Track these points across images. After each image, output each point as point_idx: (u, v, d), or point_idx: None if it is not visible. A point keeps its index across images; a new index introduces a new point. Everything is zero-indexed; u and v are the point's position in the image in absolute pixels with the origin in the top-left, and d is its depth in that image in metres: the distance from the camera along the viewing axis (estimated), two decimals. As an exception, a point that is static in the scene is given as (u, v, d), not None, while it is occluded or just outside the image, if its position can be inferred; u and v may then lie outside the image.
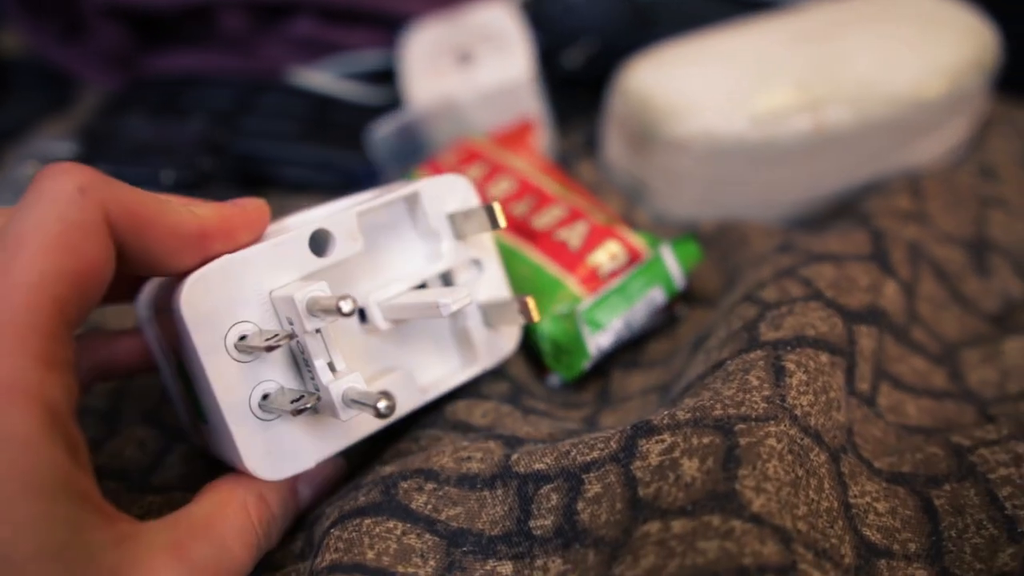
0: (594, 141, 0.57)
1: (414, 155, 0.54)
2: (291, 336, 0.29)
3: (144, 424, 0.38)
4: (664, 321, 0.44)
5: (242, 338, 0.29)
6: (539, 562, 0.30)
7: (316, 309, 0.29)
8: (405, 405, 0.33)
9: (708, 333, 0.38)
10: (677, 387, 0.36)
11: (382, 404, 0.28)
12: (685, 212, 0.51)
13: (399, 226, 0.34)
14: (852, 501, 0.31)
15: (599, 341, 0.39)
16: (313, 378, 0.30)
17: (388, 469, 0.33)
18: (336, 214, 0.31)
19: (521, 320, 0.34)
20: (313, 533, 0.33)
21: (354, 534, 0.31)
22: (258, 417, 0.30)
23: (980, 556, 0.30)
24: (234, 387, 0.29)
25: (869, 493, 0.32)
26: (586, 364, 0.39)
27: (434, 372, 0.35)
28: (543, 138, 0.55)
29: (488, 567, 0.30)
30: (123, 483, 0.36)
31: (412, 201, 0.34)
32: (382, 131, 0.52)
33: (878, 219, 0.42)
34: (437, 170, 0.49)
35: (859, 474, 0.32)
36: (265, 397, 0.30)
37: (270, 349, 0.28)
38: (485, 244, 0.36)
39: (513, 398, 0.38)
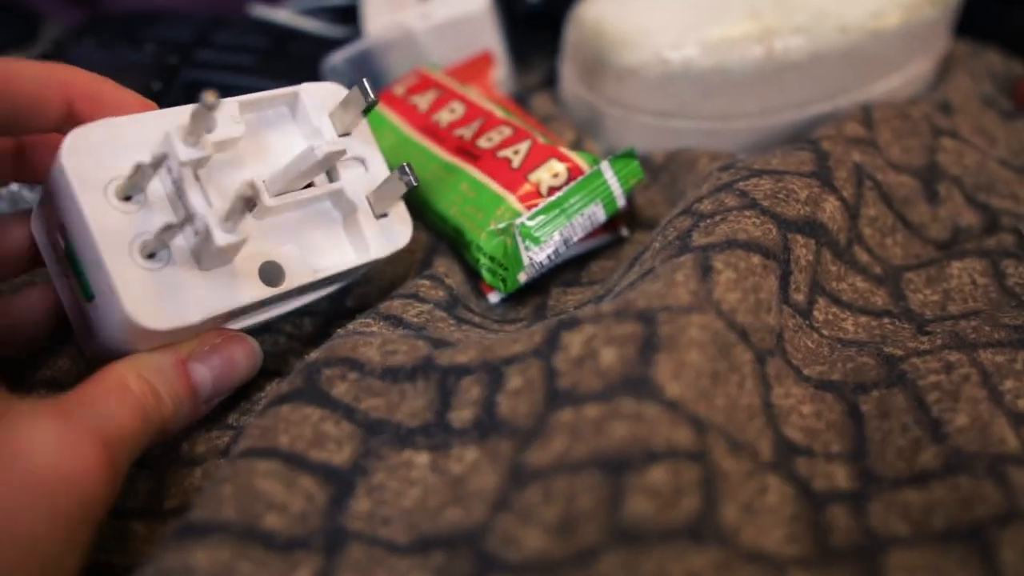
0: (554, 79, 0.57)
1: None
2: (162, 160, 0.29)
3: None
4: (609, 242, 0.43)
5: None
6: (455, 452, 0.30)
7: (186, 135, 0.30)
8: (296, 278, 0.33)
9: (645, 248, 0.38)
10: (608, 297, 0.36)
11: (247, 192, 0.28)
12: (638, 145, 0.50)
13: (285, 127, 0.35)
14: (775, 401, 0.31)
15: (535, 255, 0.39)
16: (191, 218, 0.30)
17: (314, 355, 0.32)
18: (222, 100, 0.31)
19: (403, 188, 0.34)
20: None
21: (271, 420, 0.30)
22: (142, 266, 0.30)
23: (903, 456, 0.30)
24: (116, 236, 0.29)
25: (794, 396, 0.31)
26: (522, 277, 0.39)
27: (328, 260, 0.35)
28: (500, 72, 0.55)
29: (404, 457, 0.30)
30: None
31: (293, 101, 0.35)
32: (333, 60, 0.51)
33: (824, 142, 0.42)
34: (390, 99, 0.49)
35: (785, 377, 0.32)
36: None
37: (143, 178, 0.29)
38: (368, 140, 0.37)
39: (449, 307, 0.38)
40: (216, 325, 0.33)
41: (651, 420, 0.27)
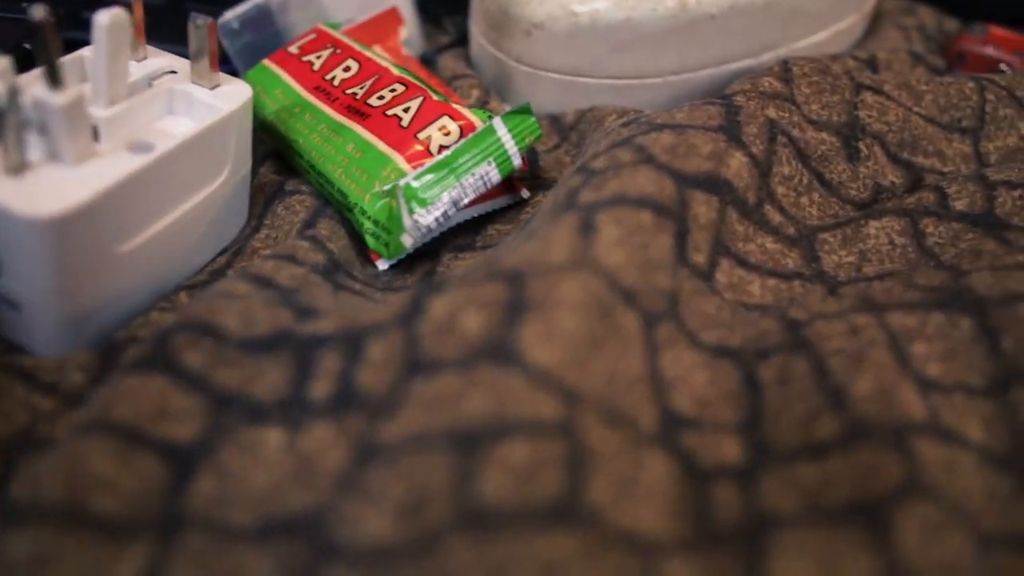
0: (465, 40, 0.54)
1: (272, 49, 0.50)
2: None
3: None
4: (508, 205, 0.40)
5: None
6: (309, 429, 0.27)
7: None
8: (165, 145, 0.34)
9: (538, 210, 0.35)
10: None
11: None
12: (548, 104, 0.48)
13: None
14: (663, 369, 0.28)
15: (421, 218, 0.36)
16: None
17: (170, 319, 0.29)
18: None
19: (204, 33, 0.35)
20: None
21: (114, 392, 0.27)
22: (11, 182, 0.30)
23: (799, 426, 0.27)
24: None
25: (686, 363, 0.29)
26: (407, 241, 0.36)
27: (187, 128, 0.36)
28: (408, 32, 0.52)
29: (256, 434, 0.27)
30: None
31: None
32: (227, 18, 0.48)
33: (737, 96, 0.39)
34: (284, 58, 0.46)
35: (678, 343, 0.29)
36: None
37: None
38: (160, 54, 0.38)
39: (328, 272, 0.35)
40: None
41: (511, 390, 0.24)
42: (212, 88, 0.37)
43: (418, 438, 0.24)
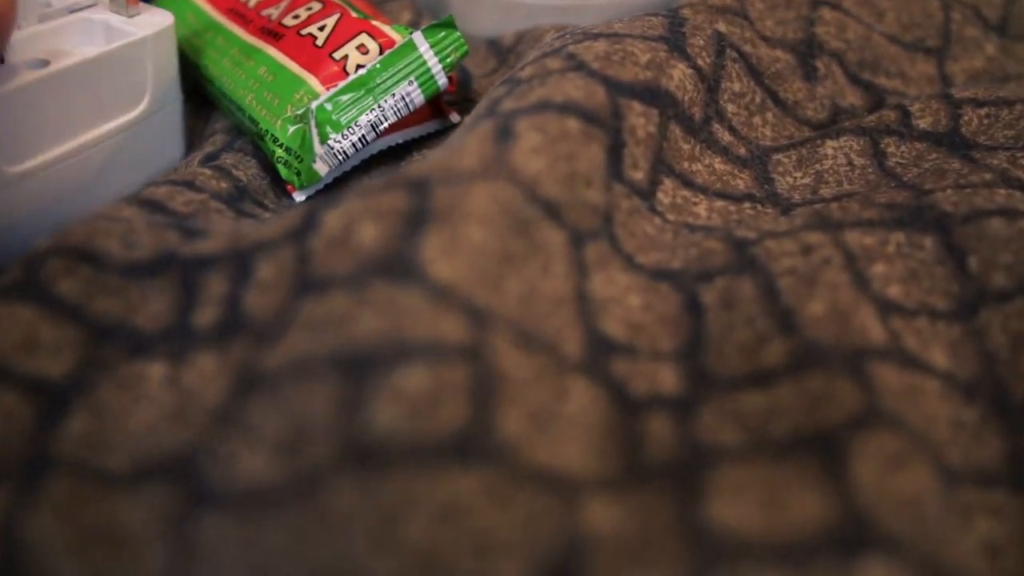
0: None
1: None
2: None
3: None
4: (438, 130, 0.37)
5: None
6: (192, 360, 0.23)
7: None
8: (64, 61, 0.31)
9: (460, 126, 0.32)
10: None
11: None
12: (487, 28, 0.44)
13: None
14: (593, 291, 0.25)
15: (336, 143, 0.33)
16: None
17: (44, 243, 0.26)
18: None
19: None
20: None
21: None
22: None
23: (743, 352, 0.24)
24: None
25: (619, 284, 0.26)
26: (320, 168, 0.33)
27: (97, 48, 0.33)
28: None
29: (136, 367, 0.24)
30: None
31: None
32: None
33: (684, 9, 0.36)
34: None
35: (610, 264, 0.26)
36: None
37: None
38: None
39: (232, 200, 0.32)
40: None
41: (408, 309, 0.21)
42: (130, 16, 0.34)
43: (300, 364, 0.20)
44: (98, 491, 0.22)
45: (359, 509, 0.18)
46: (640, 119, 0.29)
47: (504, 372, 0.21)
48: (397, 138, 0.36)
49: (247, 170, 0.34)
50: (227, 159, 0.34)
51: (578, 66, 0.29)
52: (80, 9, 0.35)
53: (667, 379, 0.24)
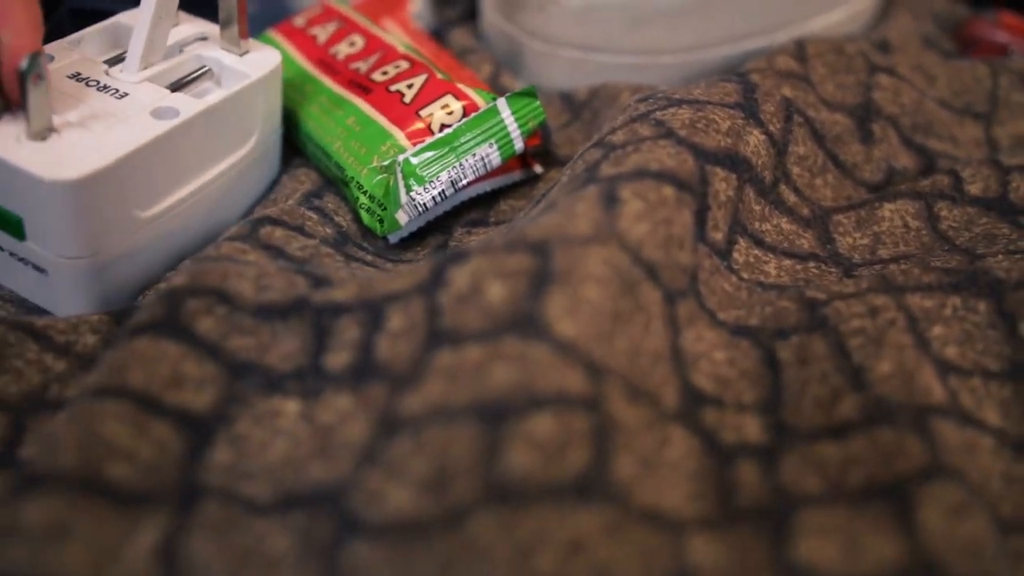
0: (475, 13, 0.53)
1: (279, 20, 0.49)
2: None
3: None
4: (521, 180, 0.40)
5: None
6: (327, 400, 0.26)
7: None
8: (190, 111, 0.34)
9: (554, 184, 0.35)
10: None
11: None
12: (560, 81, 0.47)
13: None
14: (685, 346, 0.28)
15: (418, 195, 0.36)
16: None
17: (179, 280, 0.29)
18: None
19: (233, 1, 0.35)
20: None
21: (125, 355, 0.27)
22: (36, 146, 0.31)
23: (820, 406, 0.27)
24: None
25: (706, 341, 0.29)
26: (401, 218, 0.36)
27: (217, 96, 0.36)
28: (417, 5, 0.51)
29: (272, 404, 0.27)
30: None
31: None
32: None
33: (753, 74, 0.39)
34: (290, 30, 0.45)
35: (698, 321, 0.29)
36: None
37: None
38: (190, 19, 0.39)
39: (338, 244, 0.35)
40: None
41: (537, 362, 0.24)
42: (241, 55, 0.37)
43: (441, 410, 0.23)
44: (246, 517, 0.25)
45: (499, 542, 0.21)
46: (722, 184, 0.32)
47: (618, 421, 0.24)
48: (485, 187, 0.39)
49: (345, 215, 0.37)
50: (328, 203, 0.37)
51: (667, 133, 0.32)
52: (189, 44, 0.37)
53: (752, 429, 0.26)
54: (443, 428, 0.23)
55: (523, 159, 0.40)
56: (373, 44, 0.42)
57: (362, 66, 0.41)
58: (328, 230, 0.35)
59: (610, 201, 0.28)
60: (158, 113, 0.33)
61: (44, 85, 0.30)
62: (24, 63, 0.29)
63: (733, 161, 0.33)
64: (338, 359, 0.27)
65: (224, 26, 0.36)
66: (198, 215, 0.35)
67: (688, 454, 0.25)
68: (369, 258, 0.35)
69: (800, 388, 0.27)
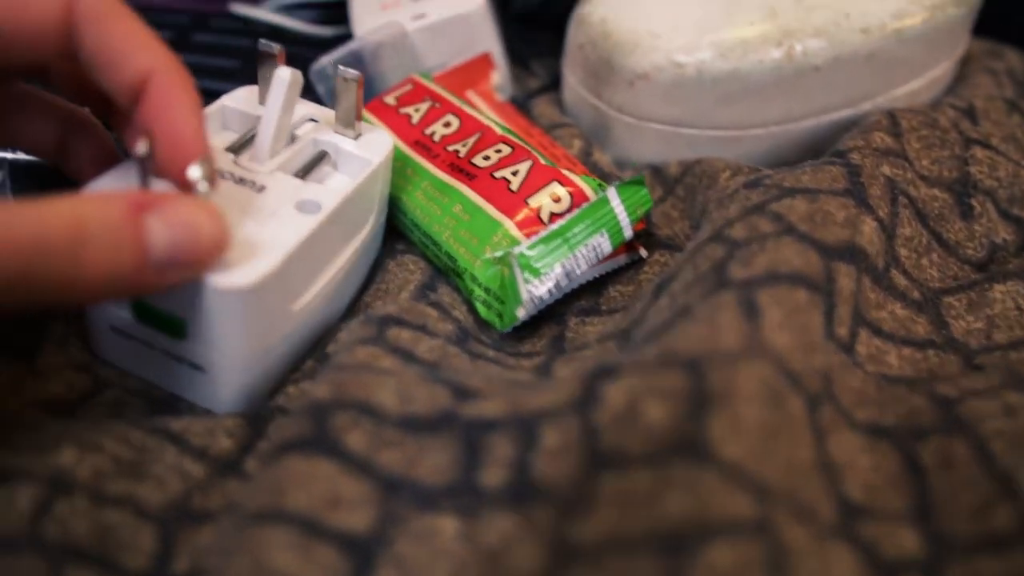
0: (556, 83, 0.54)
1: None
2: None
3: None
4: (625, 265, 0.40)
5: None
6: (486, 519, 0.26)
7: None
8: (331, 202, 0.34)
9: (672, 276, 0.35)
10: (639, 333, 0.33)
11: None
12: (649, 154, 0.47)
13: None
14: (831, 455, 0.28)
15: (535, 289, 0.36)
16: None
17: (321, 392, 0.29)
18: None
19: (353, 86, 0.36)
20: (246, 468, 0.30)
21: (280, 474, 0.27)
22: None
23: (974, 516, 0.27)
24: None
25: (849, 447, 0.29)
26: (520, 313, 0.36)
27: (344, 184, 0.37)
28: (499, 76, 0.52)
29: (428, 522, 0.27)
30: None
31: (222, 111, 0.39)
32: (321, 63, 0.48)
33: (853, 154, 0.39)
34: (381, 108, 0.45)
35: (839, 425, 0.29)
36: None
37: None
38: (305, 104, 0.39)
39: (460, 341, 0.35)
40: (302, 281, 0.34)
41: (708, 489, 0.24)
42: (356, 138, 0.38)
43: (619, 540, 0.24)
44: None
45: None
46: (845, 280, 0.32)
47: (787, 544, 0.24)
48: (591, 273, 0.39)
49: (460, 308, 0.37)
50: (443, 296, 0.37)
51: (788, 229, 0.32)
52: (299, 127, 0.38)
53: (909, 542, 0.27)
54: (622, 559, 0.23)
55: (627, 243, 0.40)
56: (469, 125, 0.43)
57: (461, 149, 0.41)
58: (449, 326, 0.35)
59: (751, 310, 0.29)
60: (302, 207, 0.33)
61: (210, 190, 0.30)
62: (195, 171, 0.29)
63: (852, 253, 0.33)
64: (493, 476, 0.27)
65: (341, 110, 0.37)
66: (324, 302, 0.36)
67: (854, 571, 0.25)
68: (491, 354, 0.35)
69: (950, 495, 0.28)
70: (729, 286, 0.30)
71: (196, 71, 0.52)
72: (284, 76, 0.34)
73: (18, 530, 0.26)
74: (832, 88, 0.45)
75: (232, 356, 0.32)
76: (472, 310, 0.38)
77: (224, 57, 0.55)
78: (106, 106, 0.34)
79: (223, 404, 0.33)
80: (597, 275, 0.39)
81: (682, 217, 0.42)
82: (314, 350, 0.36)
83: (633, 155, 0.48)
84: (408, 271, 0.39)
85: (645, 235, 0.42)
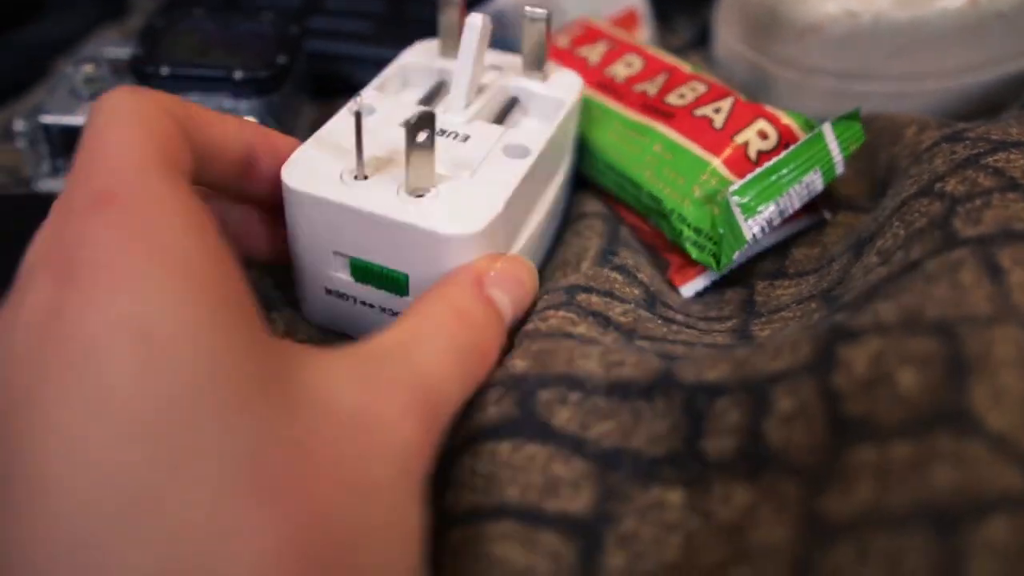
0: (704, 37, 0.52)
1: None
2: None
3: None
4: (807, 227, 0.38)
5: None
6: (718, 490, 0.25)
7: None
8: (536, 146, 0.34)
9: (871, 235, 0.33)
10: (850, 293, 0.31)
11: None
12: (811, 111, 0.45)
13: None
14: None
15: (752, 227, 0.34)
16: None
17: (521, 367, 0.28)
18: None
19: (540, 25, 0.35)
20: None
21: (491, 467, 0.26)
22: (419, 202, 0.30)
23: None
24: (380, 199, 0.30)
25: None
26: (737, 255, 0.34)
27: (544, 125, 0.36)
28: (645, 33, 0.50)
29: (653, 495, 0.25)
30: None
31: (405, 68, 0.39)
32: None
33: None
34: (557, 53, 0.44)
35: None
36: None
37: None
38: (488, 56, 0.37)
39: (650, 304, 0.34)
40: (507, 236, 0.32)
41: (976, 461, 0.22)
42: (544, 80, 0.37)
43: (882, 516, 0.22)
44: None
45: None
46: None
47: (1065, 520, 0.22)
48: (775, 236, 0.37)
49: (645, 270, 0.36)
50: (627, 259, 0.36)
51: (1011, 184, 0.30)
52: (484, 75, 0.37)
53: None
54: (890, 535, 0.22)
55: (810, 204, 0.38)
56: (654, 64, 0.41)
57: (650, 88, 0.40)
58: (636, 291, 0.34)
59: (994, 271, 0.26)
60: (509, 151, 0.33)
61: (432, 145, 0.29)
62: (413, 119, 0.28)
63: None
64: (720, 444, 0.25)
65: (529, 53, 0.37)
66: (533, 248, 0.36)
67: None
68: (681, 318, 0.34)
69: None
70: (961, 243, 0.28)
71: (330, 35, 0.52)
72: (476, 22, 0.33)
73: None
74: (1014, 35, 0.42)
75: None
76: (656, 272, 0.37)
77: (358, 20, 0.54)
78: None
79: None
80: (784, 237, 0.37)
81: (859, 176, 0.40)
82: None
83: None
84: (585, 239, 0.38)
85: (824, 196, 0.40)
